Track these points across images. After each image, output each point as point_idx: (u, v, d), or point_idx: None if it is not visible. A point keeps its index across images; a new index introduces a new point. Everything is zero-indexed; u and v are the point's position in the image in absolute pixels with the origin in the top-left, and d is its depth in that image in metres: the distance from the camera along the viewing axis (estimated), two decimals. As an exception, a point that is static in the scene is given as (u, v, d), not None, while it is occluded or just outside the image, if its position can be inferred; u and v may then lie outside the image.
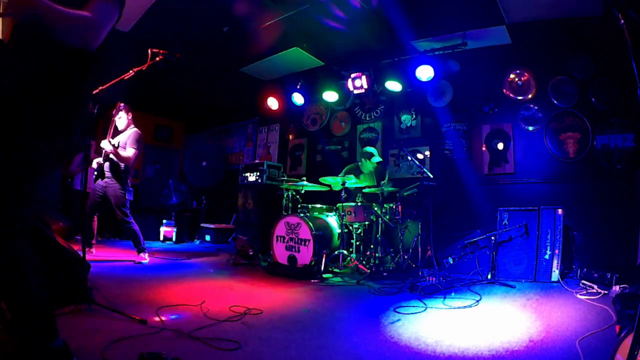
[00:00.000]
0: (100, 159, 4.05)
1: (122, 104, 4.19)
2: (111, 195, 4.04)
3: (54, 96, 1.30)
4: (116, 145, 4.03)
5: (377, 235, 4.15)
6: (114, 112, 4.15)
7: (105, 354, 1.57)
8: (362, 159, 4.79)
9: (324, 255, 3.89)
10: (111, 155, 4.04)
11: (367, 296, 3.01)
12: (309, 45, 5.35)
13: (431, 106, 5.36)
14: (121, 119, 4.20)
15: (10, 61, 1.31)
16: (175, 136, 9.28)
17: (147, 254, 4.23)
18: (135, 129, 4.24)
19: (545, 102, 4.55)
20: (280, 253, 4.11)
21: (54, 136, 1.31)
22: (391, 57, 5.29)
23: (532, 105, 4.64)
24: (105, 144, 3.93)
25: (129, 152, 4.09)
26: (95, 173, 4.01)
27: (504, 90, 4.83)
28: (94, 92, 2.37)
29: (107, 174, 4.05)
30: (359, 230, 4.25)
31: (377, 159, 4.70)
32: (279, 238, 4.15)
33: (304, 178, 4.36)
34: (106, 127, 4.10)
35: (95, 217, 4.36)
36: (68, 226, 5.26)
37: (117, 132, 4.22)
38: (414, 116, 5.55)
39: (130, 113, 4.29)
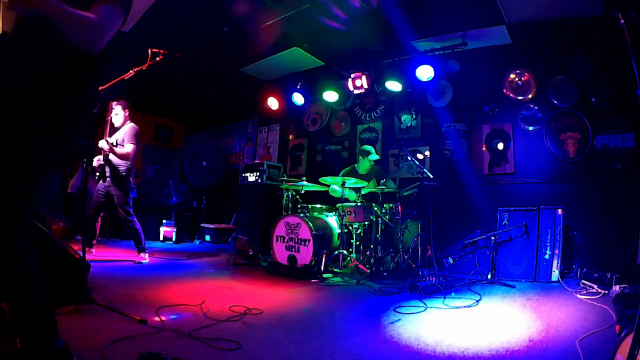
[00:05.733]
0: (100, 157, 4.04)
1: (117, 101, 4.18)
2: (114, 194, 4.04)
3: (54, 97, 1.29)
4: (114, 143, 4.01)
5: (377, 235, 4.15)
6: (109, 110, 4.14)
7: (105, 354, 1.57)
8: (360, 157, 4.79)
9: (324, 255, 3.89)
10: (110, 156, 4.03)
11: (367, 296, 3.01)
12: (309, 45, 5.35)
13: (431, 106, 5.36)
14: (117, 115, 4.19)
15: (11, 59, 1.30)
16: (175, 136, 9.28)
17: (147, 254, 4.24)
18: (132, 124, 4.24)
19: (545, 102, 4.55)
20: (280, 253, 4.11)
21: (54, 137, 1.31)
22: (391, 57, 5.29)
23: (532, 105, 4.64)
24: (102, 143, 3.93)
25: (127, 148, 4.08)
26: (97, 174, 4.00)
27: (504, 90, 4.83)
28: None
29: (108, 173, 4.04)
30: (359, 230, 4.25)
31: (374, 156, 4.69)
32: (279, 238, 4.15)
33: (304, 178, 4.36)
34: (105, 127, 4.10)
35: (99, 217, 4.36)
36: (68, 226, 5.26)
37: (114, 130, 4.21)
38: (414, 116, 5.55)
39: (127, 110, 4.27)
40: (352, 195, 4.54)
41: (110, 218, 4.74)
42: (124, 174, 4.08)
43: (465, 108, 5.11)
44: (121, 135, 4.14)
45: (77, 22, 1.24)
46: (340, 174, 4.79)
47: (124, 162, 4.09)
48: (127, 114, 4.28)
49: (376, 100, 5.96)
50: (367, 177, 4.69)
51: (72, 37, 1.26)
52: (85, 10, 1.28)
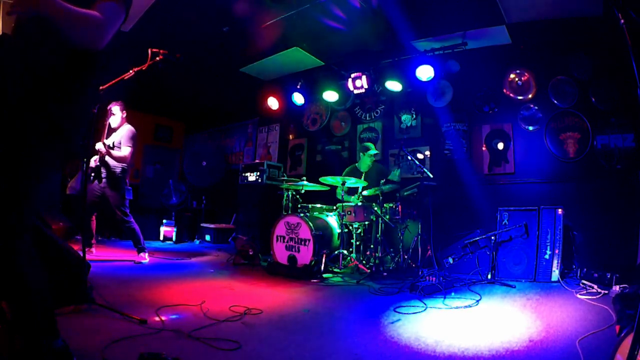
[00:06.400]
0: (97, 157, 4.04)
1: (115, 103, 4.18)
2: (110, 196, 4.03)
3: (57, 99, 1.29)
4: (111, 145, 4.01)
5: (377, 235, 4.15)
6: (108, 113, 4.15)
7: (105, 354, 1.57)
8: (360, 154, 4.80)
9: (324, 255, 3.89)
10: (107, 158, 4.03)
11: (367, 296, 3.01)
12: (309, 45, 5.35)
13: (431, 106, 5.36)
14: (115, 116, 4.18)
15: (11, 59, 1.30)
16: (175, 136, 9.28)
17: (147, 254, 4.23)
18: (129, 127, 4.23)
19: (545, 102, 4.55)
20: (280, 253, 4.11)
21: (54, 137, 1.30)
22: (391, 57, 5.29)
23: (532, 105, 4.64)
24: (99, 146, 3.93)
25: (124, 151, 4.08)
26: (93, 174, 3.99)
27: (504, 90, 4.83)
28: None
29: (104, 174, 4.04)
30: (359, 230, 4.25)
31: (373, 151, 4.70)
32: (279, 238, 4.15)
33: (304, 178, 4.36)
34: (103, 129, 4.10)
35: (94, 216, 4.35)
36: (68, 226, 5.26)
37: (111, 131, 4.21)
38: (414, 116, 5.55)
39: (124, 111, 4.25)
40: (354, 199, 4.53)
41: (109, 218, 4.74)
42: (119, 175, 4.07)
43: (465, 108, 5.11)
44: (118, 137, 4.13)
45: (81, 21, 1.23)
46: (343, 174, 4.79)
47: (120, 164, 4.09)
48: (124, 115, 4.26)
49: (376, 100, 5.96)
50: (368, 175, 4.69)
51: (76, 36, 1.25)
52: (87, 7, 1.27)
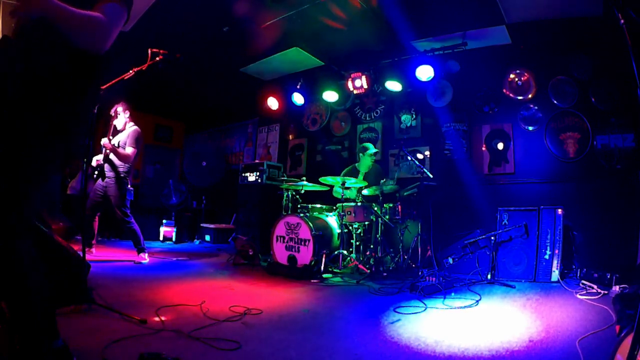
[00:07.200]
0: (100, 157, 4.04)
1: (119, 104, 4.19)
2: (111, 195, 4.04)
3: (57, 99, 1.29)
4: (116, 145, 4.03)
5: (377, 235, 4.15)
6: (112, 113, 4.16)
7: (105, 354, 1.57)
8: (360, 155, 4.80)
9: (324, 255, 3.89)
10: (111, 155, 4.04)
11: (367, 296, 3.01)
12: (309, 45, 5.35)
13: (431, 106, 5.36)
14: (119, 118, 4.20)
15: (14, 61, 1.29)
16: (175, 136, 9.28)
17: (147, 254, 4.24)
18: (135, 127, 4.24)
19: (545, 102, 4.56)
20: (280, 253, 4.11)
21: (54, 137, 1.30)
22: (391, 57, 5.29)
23: (532, 105, 4.64)
24: (105, 141, 3.94)
25: (127, 150, 4.09)
26: (96, 173, 4.00)
27: (504, 90, 4.83)
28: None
29: (109, 173, 4.04)
30: (359, 230, 4.25)
31: (372, 150, 4.69)
32: (279, 238, 4.15)
33: (304, 178, 4.36)
34: (106, 128, 4.11)
35: (97, 217, 4.36)
36: (68, 226, 5.26)
37: (116, 132, 4.22)
38: (414, 116, 5.55)
39: (127, 111, 4.27)
40: (352, 193, 4.54)
41: (110, 218, 4.74)
42: (122, 175, 4.08)
43: (465, 108, 5.11)
44: (123, 137, 4.14)
45: (84, 24, 1.22)
46: (342, 174, 4.79)
47: (123, 163, 4.10)
48: (128, 116, 4.27)
49: (376, 100, 5.96)
50: (368, 176, 4.69)
51: (78, 39, 1.25)
52: (88, 9, 1.27)
